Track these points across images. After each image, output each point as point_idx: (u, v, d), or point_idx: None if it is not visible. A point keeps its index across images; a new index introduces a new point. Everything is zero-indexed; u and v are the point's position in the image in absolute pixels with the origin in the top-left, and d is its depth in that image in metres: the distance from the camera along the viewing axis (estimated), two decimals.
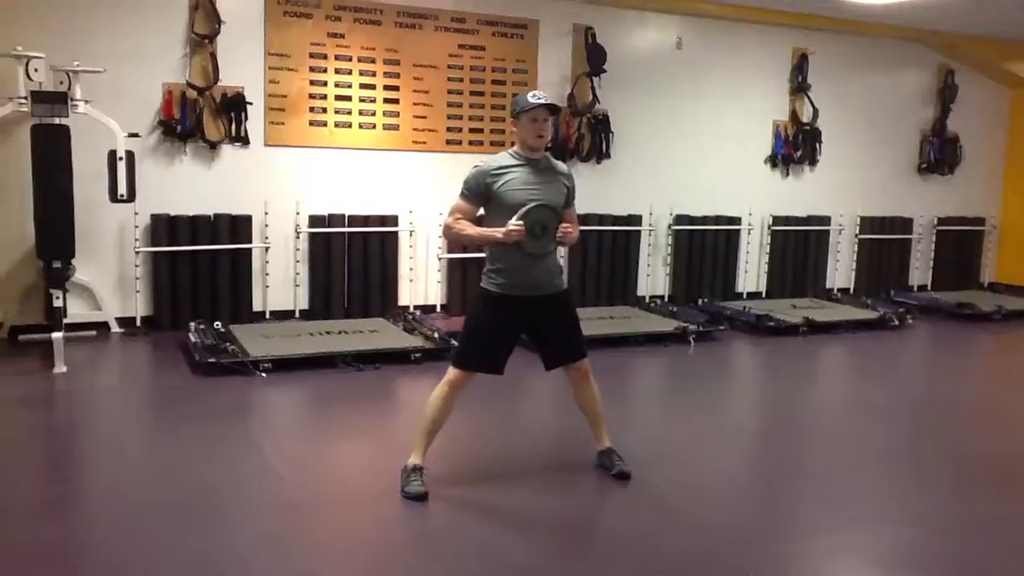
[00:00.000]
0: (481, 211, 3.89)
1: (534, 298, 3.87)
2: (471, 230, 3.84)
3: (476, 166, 3.87)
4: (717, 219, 9.19)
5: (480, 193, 3.82)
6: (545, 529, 3.62)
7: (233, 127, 7.14)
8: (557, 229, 3.80)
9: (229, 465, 4.24)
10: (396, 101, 7.71)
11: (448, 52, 7.89)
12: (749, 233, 9.37)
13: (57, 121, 5.97)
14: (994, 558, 3.50)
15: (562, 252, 8.14)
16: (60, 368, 5.71)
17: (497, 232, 3.74)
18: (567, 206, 3.93)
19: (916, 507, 3.99)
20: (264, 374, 5.76)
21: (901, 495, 4.15)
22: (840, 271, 9.95)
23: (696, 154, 9.03)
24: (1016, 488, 4.28)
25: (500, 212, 3.77)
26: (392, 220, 7.77)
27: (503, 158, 3.88)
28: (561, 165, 4.04)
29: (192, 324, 6.54)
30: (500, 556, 3.35)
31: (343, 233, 7.60)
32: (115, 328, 6.91)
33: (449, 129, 7.95)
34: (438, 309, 8.00)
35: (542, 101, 3.78)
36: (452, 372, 3.86)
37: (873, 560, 3.46)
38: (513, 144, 3.95)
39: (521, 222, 3.69)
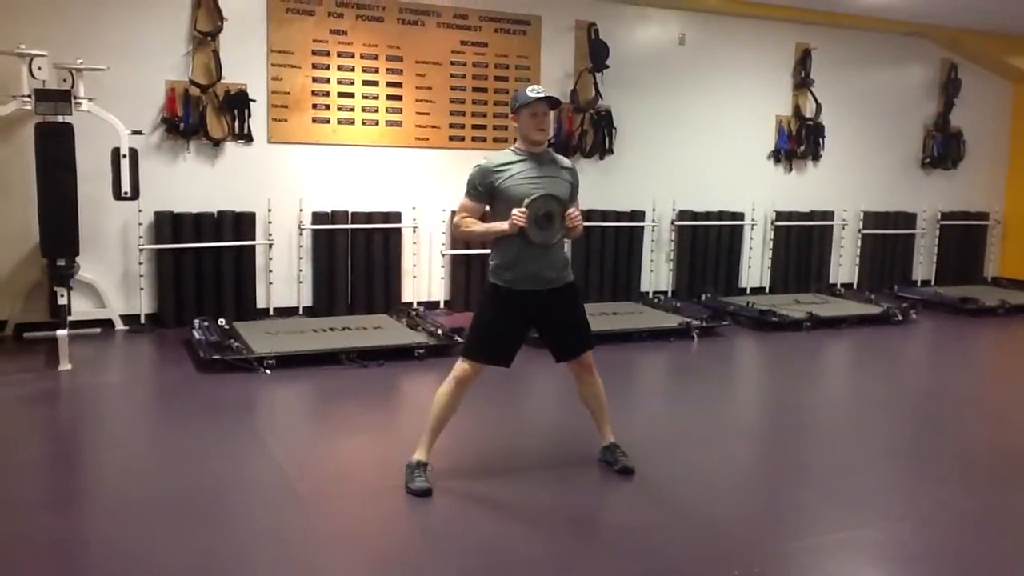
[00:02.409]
0: (487, 208, 3.91)
1: (540, 292, 3.87)
2: (478, 227, 3.89)
3: (478, 164, 3.89)
4: (720, 215, 9.19)
5: (484, 190, 3.84)
6: (548, 525, 3.63)
7: (236, 124, 7.15)
8: (563, 218, 3.81)
9: (233, 461, 4.25)
10: (399, 98, 7.72)
11: (451, 49, 7.89)
12: (752, 228, 9.36)
13: (60, 119, 5.98)
14: (998, 553, 3.50)
15: (566, 247, 8.13)
16: (65, 365, 5.73)
17: (502, 224, 3.76)
18: (571, 201, 3.93)
19: (920, 502, 3.99)
20: (268, 371, 5.77)
21: (905, 490, 4.15)
22: (843, 266, 9.94)
23: (699, 149, 9.03)
24: (1020, 483, 4.28)
25: (504, 208, 3.79)
26: (395, 216, 7.78)
27: (505, 155, 3.89)
28: (564, 159, 4.04)
29: (196, 321, 6.55)
30: (503, 551, 3.36)
31: (346, 230, 7.60)
32: (119, 325, 6.92)
33: (452, 126, 7.95)
34: (441, 305, 8.01)
35: (541, 95, 3.79)
36: (459, 368, 3.86)
37: (877, 556, 3.46)
38: (515, 140, 3.95)
39: (525, 210, 3.70)
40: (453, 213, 4.03)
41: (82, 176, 6.04)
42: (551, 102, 3.83)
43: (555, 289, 3.91)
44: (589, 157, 8.50)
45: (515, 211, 3.70)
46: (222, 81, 7.04)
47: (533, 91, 3.81)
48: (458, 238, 3.84)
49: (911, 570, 3.36)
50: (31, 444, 4.57)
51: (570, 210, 3.83)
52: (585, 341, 4.06)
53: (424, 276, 7.99)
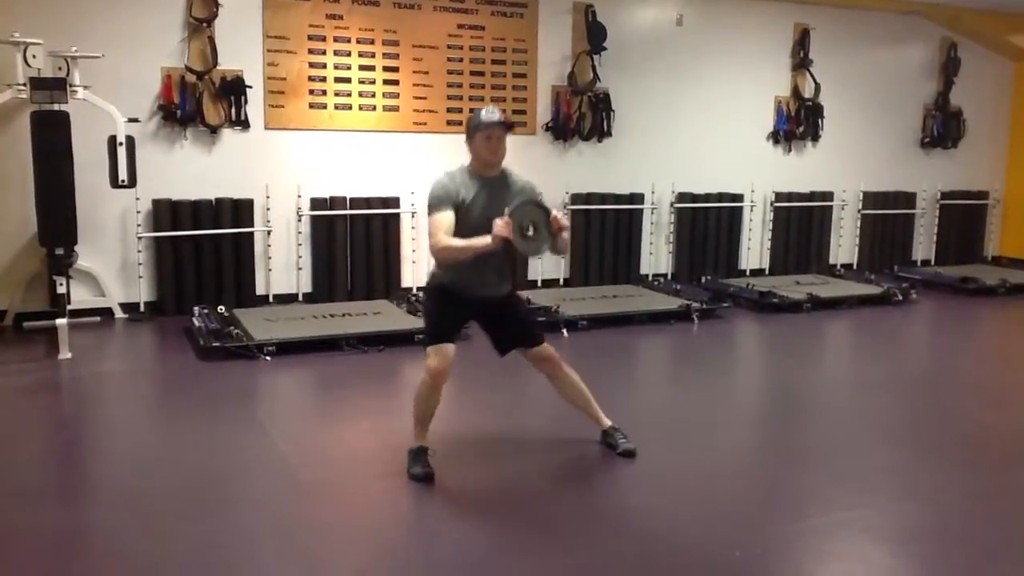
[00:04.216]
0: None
1: (482, 298, 3.89)
2: (457, 243, 3.67)
3: (439, 180, 3.79)
4: (720, 196, 9.16)
5: (452, 200, 3.72)
6: (550, 508, 3.63)
7: (233, 111, 7.12)
8: (549, 227, 3.67)
9: (235, 449, 4.26)
10: (396, 82, 7.68)
11: (447, 32, 7.84)
12: (752, 210, 9.34)
13: (56, 107, 5.95)
14: (998, 533, 3.51)
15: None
16: (65, 354, 5.73)
17: (484, 239, 3.60)
18: None
19: (921, 483, 4.00)
20: (268, 358, 5.77)
21: (905, 471, 4.15)
22: (843, 247, 9.92)
23: (698, 131, 8.99)
24: (1021, 463, 4.28)
25: (458, 232, 3.70)
26: (394, 202, 7.76)
27: (461, 174, 3.82)
28: (519, 179, 3.94)
29: (196, 309, 6.55)
30: (505, 536, 3.37)
31: (345, 215, 7.59)
32: (119, 314, 6.92)
33: (449, 110, 7.91)
34: None
35: (495, 119, 3.75)
36: (428, 361, 3.76)
37: (877, 536, 3.46)
38: (471, 162, 3.87)
39: (508, 221, 3.55)
40: None
41: (79, 164, 6.03)
42: (506, 126, 3.78)
43: (497, 297, 3.95)
44: (587, 140, 8.47)
45: (498, 221, 3.55)
46: (218, 67, 7.00)
47: (488, 113, 3.77)
48: (440, 260, 3.74)
49: (912, 550, 3.36)
50: (32, 434, 4.57)
51: (555, 214, 3.69)
52: (534, 334, 4.07)
53: (423, 261, 7.96)
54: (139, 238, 6.93)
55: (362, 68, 7.56)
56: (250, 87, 7.14)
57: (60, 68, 6.24)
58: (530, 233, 3.64)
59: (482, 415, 4.74)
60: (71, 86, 6.11)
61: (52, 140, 5.85)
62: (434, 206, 3.74)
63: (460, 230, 3.69)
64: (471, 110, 7.77)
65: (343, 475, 3.96)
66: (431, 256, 3.79)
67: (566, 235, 3.75)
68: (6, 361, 5.75)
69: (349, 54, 7.50)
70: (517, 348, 4.06)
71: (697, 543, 3.32)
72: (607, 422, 4.18)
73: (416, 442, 3.86)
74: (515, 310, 4.12)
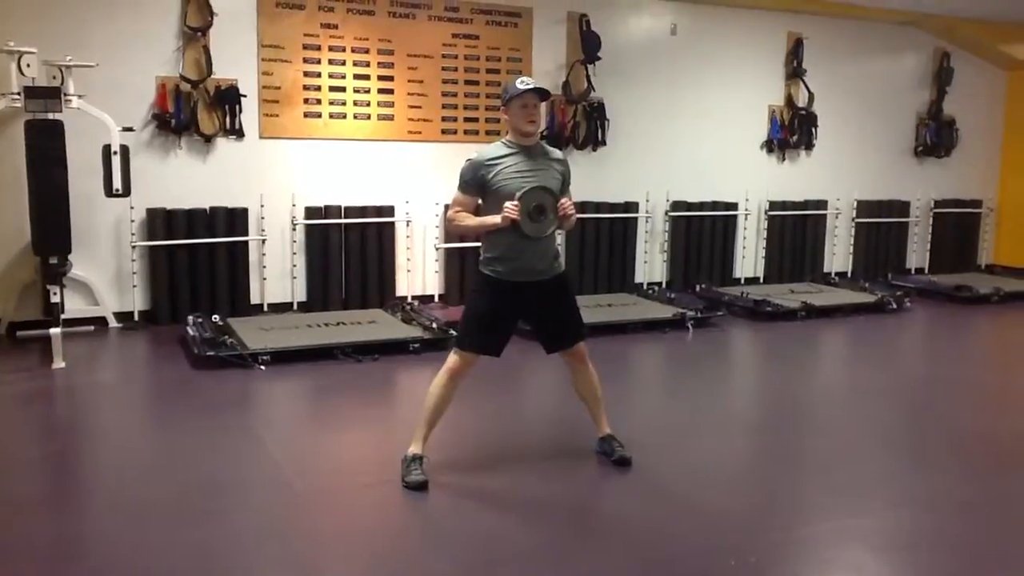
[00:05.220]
0: (480, 201, 3.91)
1: (531, 283, 3.88)
2: (470, 220, 3.88)
3: (469, 159, 3.90)
4: (714, 205, 9.18)
5: (475, 184, 3.84)
6: (545, 516, 3.63)
7: (227, 120, 7.11)
8: (556, 211, 3.81)
9: (230, 458, 4.25)
10: (390, 91, 7.69)
11: (442, 42, 7.86)
12: (746, 218, 9.36)
13: (51, 116, 5.95)
14: (994, 539, 3.51)
15: (559, 239, 8.14)
16: (59, 364, 5.71)
17: (494, 218, 3.76)
18: (562, 193, 3.92)
19: (917, 490, 4.00)
20: (263, 367, 5.76)
21: (902, 478, 4.15)
22: (837, 255, 9.94)
23: (692, 140, 9.02)
24: (1016, 470, 4.29)
25: (496, 202, 3.79)
26: (388, 211, 7.76)
27: (496, 148, 3.89)
28: (555, 151, 4.05)
29: (190, 318, 6.54)
30: (501, 543, 3.37)
31: (340, 224, 7.58)
32: (113, 323, 6.90)
33: (444, 119, 7.92)
34: (436, 299, 8.00)
35: (530, 86, 3.80)
36: (452, 359, 3.88)
37: (874, 544, 3.46)
38: (507, 133, 3.95)
39: (517, 204, 3.70)
40: (446, 207, 4.03)
41: (73, 173, 6.02)
42: (541, 93, 3.83)
43: (546, 280, 3.93)
44: (582, 149, 8.48)
45: (507, 204, 3.70)
46: (213, 76, 7.00)
47: (522, 83, 3.81)
48: (451, 233, 3.83)
49: (908, 557, 3.36)
50: (26, 443, 4.55)
51: (562, 201, 3.83)
52: (576, 332, 4.07)
53: (418, 270, 7.97)
54: (133, 247, 6.92)
55: (357, 77, 7.56)
56: (245, 96, 7.14)
57: (54, 77, 6.22)
58: (536, 216, 3.78)
59: (476, 423, 4.73)
60: (65, 95, 6.12)
61: (46, 149, 5.84)
62: (459, 185, 3.90)
63: (495, 197, 3.79)
64: (466, 119, 7.98)
65: (338, 483, 3.95)
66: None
67: (572, 219, 3.90)
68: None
69: (344, 63, 7.50)
70: (564, 346, 4.04)
71: (691, 551, 3.32)
72: (606, 429, 4.18)
73: (412, 449, 3.86)
74: (565, 299, 4.05)
